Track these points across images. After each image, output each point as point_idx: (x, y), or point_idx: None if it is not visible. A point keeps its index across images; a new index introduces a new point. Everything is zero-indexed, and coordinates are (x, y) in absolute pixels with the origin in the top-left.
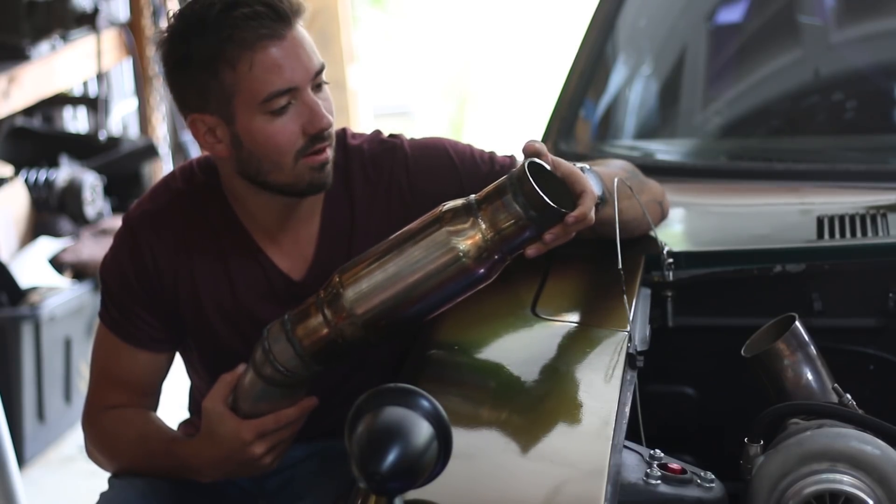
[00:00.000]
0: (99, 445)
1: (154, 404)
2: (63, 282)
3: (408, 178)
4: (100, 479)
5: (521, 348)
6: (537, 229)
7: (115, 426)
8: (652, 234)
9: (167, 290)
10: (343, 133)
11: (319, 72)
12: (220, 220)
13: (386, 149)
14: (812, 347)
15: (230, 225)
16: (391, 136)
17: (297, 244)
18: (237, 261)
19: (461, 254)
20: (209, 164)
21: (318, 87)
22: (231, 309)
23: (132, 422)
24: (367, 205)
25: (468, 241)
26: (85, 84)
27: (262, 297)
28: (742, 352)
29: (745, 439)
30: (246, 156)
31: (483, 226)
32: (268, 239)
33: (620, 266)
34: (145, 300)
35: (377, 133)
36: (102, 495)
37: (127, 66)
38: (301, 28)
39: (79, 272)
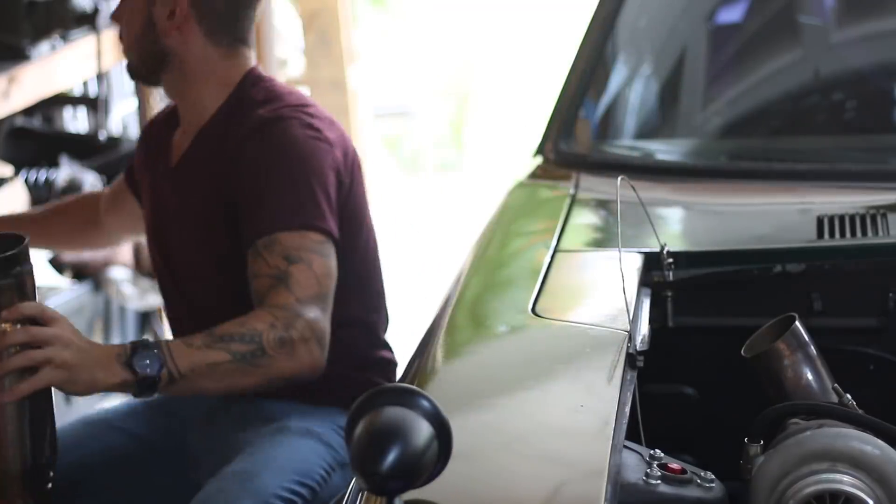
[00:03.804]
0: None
1: None
2: (63, 282)
3: (237, 150)
4: None
5: (521, 348)
6: None
7: None
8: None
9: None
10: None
11: None
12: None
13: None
14: (812, 347)
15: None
16: (291, 118)
17: (185, 135)
18: (165, 143)
19: None
20: None
21: None
22: (144, 181)
23: None
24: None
25: None
26: (85, 84)
27: (153, 171)
28: (742, 352)
29: (745, 439)
30: None
31: None
32: (180, 126)
33: (621, 266)
34: None
35: (287, 108)
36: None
37: None
38: None
39: (79, 272)
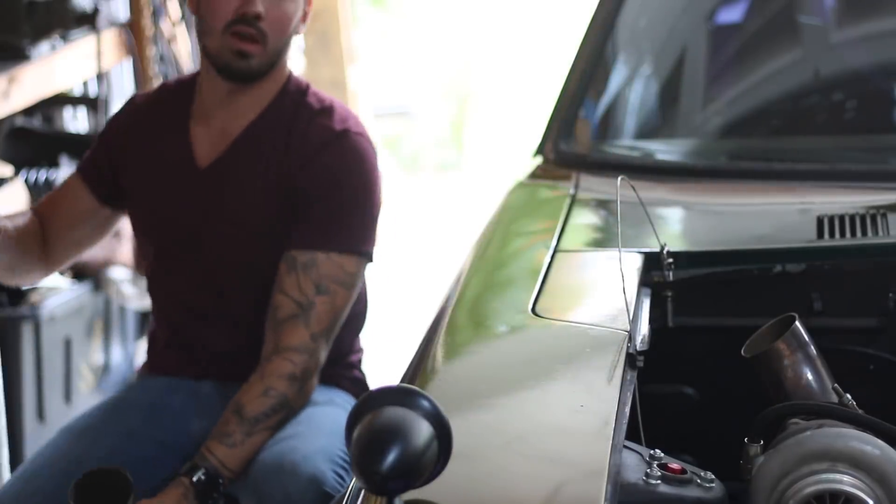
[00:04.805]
0: None
1: None
2: (63, 282)
3: (308, 159)
4: None
5: (521, 348)
6: None
7: None
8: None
9: (106, 160)
10: (328, 102)
11: None
12: (177, 104)
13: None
14: (812, 347)
15: (179, 109)
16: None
17: (221, 134)
18: (167, 140)
19: None
20: None
21: None
22: (148, 181)
23: None
24: (283, 146)
25: None
26: (85, 84)
27: (167, 174)
28: (742, 352)
29: (745, 439)
30: (198, 11)
31: None
32: (201, 122)
33: (621, 266)
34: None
35: (353, 136)
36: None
37: (127, 66)
38: None
39: (79, 272)
